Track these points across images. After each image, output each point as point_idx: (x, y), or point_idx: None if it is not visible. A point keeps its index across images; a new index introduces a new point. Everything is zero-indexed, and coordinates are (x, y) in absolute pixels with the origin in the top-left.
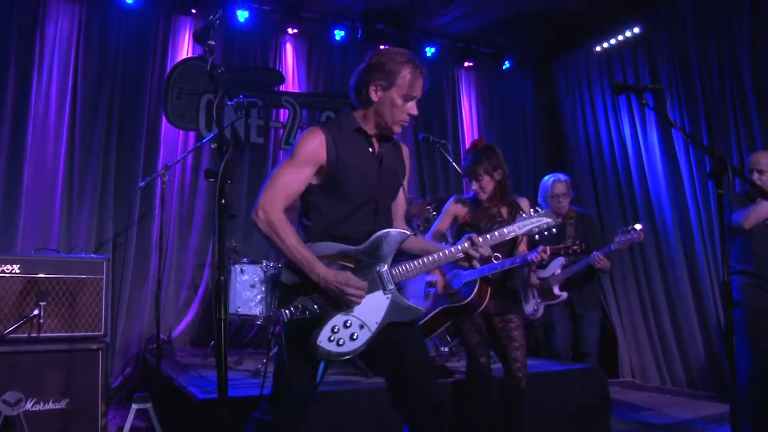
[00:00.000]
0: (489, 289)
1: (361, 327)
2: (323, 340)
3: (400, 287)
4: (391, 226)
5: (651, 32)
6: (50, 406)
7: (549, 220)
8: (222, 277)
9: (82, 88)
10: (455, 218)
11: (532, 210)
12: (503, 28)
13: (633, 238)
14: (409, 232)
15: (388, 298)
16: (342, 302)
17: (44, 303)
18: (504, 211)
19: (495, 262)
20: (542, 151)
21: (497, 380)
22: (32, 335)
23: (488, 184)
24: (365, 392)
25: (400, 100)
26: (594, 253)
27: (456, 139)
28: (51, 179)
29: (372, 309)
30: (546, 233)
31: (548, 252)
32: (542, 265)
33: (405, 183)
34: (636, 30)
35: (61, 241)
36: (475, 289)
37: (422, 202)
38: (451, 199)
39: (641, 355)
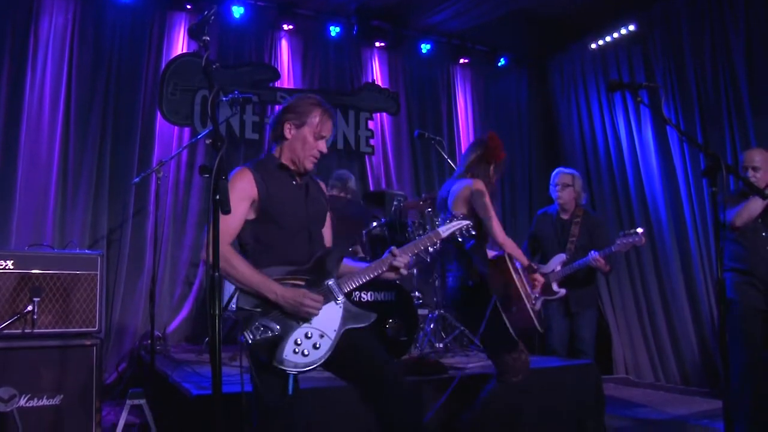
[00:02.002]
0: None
1: (322, 336)
2: (288, 353)
3: None
4: None
5: (646, 30)
6: (44, 402)
7: (467, 222)
8: (216, 274)
9: (77, 83)
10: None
11: (452, 216)
12: (499, 25)
13: (634, 241)
14: (343, 252)
15: (340, 307)
16: (300, 316)
17: (38, 299)
18: None
19: None
20: (537, 148)
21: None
22: (26, 331)
23: None
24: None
25: (311, 137)
26: (592, 253)
27: (451, 136)
28: (45, 175)
29: (328, 319)
30: (466, 233)
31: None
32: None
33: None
34: (631, 28)
35: (55, 237)
36: None
37: (417, 199)
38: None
39: (635, 351)
